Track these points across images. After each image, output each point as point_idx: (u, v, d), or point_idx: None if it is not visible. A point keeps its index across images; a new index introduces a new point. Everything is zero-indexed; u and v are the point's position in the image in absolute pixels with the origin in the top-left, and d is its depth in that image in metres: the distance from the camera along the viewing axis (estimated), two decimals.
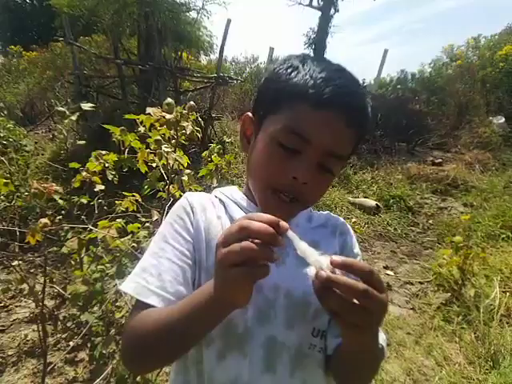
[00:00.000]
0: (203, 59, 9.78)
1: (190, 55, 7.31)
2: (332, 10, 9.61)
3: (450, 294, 2.87)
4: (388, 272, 3.45)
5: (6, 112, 5.84)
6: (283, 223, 0.48)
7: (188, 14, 5.68)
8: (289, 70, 0.64)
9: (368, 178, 5.79)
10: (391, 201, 4.97)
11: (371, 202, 4.84)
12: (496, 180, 5.21)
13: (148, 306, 0.63)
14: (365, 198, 5.15)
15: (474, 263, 2.89)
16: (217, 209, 0.74)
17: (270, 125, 0.64)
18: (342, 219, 0.82)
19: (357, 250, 0.78)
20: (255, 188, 0.69)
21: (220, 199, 0.76)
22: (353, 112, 0.60)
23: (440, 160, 6.16)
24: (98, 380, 1.41)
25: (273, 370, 0.65)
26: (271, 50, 11.70)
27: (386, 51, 10.86)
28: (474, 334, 2.41)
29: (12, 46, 9.60)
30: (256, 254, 0.45)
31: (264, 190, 0.65)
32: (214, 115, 5.62)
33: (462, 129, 7.34)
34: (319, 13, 9.61)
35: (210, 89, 5.67)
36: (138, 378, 1.48)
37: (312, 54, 0.68)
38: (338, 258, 0.45)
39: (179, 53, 5.85)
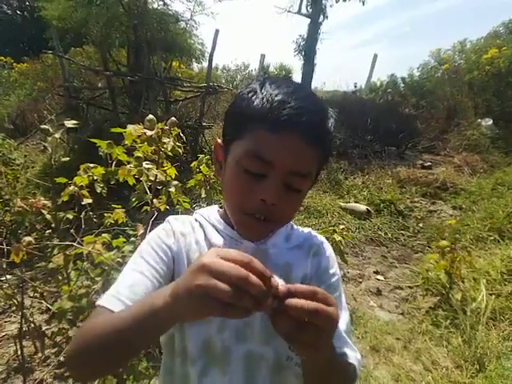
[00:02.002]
0: (195, 67, 9.84)
1: (181, 63, 7.36)
2: (321, 17, 9.71)
3: (438, 298, 2.91)
4: (378, 277, 3.48)
5: None
6: (274, 281, 0.46)
7: (177, 24, 5.72)
8: (249, 95, 0.65)
9: (359, 182, 5.84)
10: (382, 205, 5.01)
11: (362, 207, 4.88)
12: (484, 182, 5.27)
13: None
14: (356, 202, 5.18)
15: (462, 266, 2.93)
16: (196, 233, 0.76)
17: (235, 150, 0.66)
18: (320, 238, 0.82)
19: (333, 270, 0.78)
20: (230, 211, 0.72)
21: (200, 223, 0.78)
22: (311, 131, 0.62)
23: (429, 163, 6.22)
24: None
25: (253, 382, 0.69)
26: (262, 56, 11.80)
27: (375, 56, 11.01)
28: (462, 337, 2.44)
29: (2, 58, 9.58)
30: (241, 304, 0.43)
31: (237, 212, 0.68)
32: (204, 124, 5.65)
33: (451, 132, 7.42)
34: (308, 20, 9.71)
35: (200, 98, 5.70)
36: None
37: (266, 78, 0.66)
38: (282, 288, 0.47)
39: (169, 62, 5.88)
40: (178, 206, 1.91)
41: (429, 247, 4.05)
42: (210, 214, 0.79)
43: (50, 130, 1.59)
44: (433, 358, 2.31)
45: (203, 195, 2.44)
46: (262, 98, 0.63)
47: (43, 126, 1.62)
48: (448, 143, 7.07)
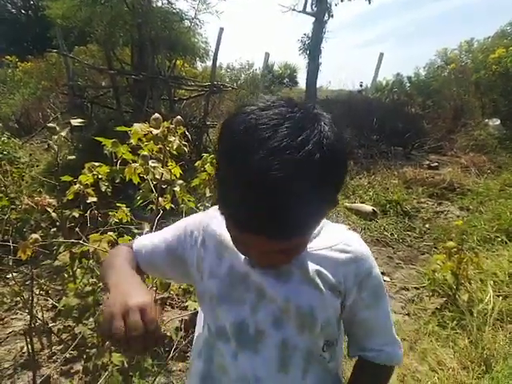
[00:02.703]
0: (199, 66, 9.84)
1: (185, 62, 7.36)
2: (326, 16, 9.69)
3: (444, 299, 2.88)
4: (384, 278, 3.46)
5: (0, 125, 5.87)
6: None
7: (182, 22, 5.72)
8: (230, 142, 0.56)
9: (365, 183, 5.80)
10: (388, 206, 4.97)
11: (368, 208, 4.85)
12: (492, 183, 5.23)
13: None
14: (361, 203, 5.16)
15: (469, 268, 2.89)
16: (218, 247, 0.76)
17: (224, 194, 0.60)
18: (355, 240, 0.76)
19: (374, 273, 0.75)
20: None
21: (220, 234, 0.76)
22: (277, 228, 0.53)
23: (436, 164, 6.17)
24: None
25: (286, 370, 0.71)
26: (267, 55, 11.79)
27: (381, 55, 10.97)
28: (468, 338, 2.41)
29: (8, 57, 9.64)
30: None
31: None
32: (208, 123, 5.65)
33: (458, 132, 7.37)
34: (313, 18, 9.68)
35: (205, 97, 5.70)
36: None
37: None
38: None
39: (173, 61, 5.88)
40: (182, 205, 1.91)
41: (435, 248, 4.02)
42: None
43: (57, 128, 1.59)
44: (439, 359, 2.29)
45: (208, 194, 2.44)
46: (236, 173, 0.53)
47: (50, 125, 1.62)
48: (455, 143, 7.02)
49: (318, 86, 10.55)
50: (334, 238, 0.74)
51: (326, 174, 0.53)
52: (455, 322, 2.59)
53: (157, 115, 1.51)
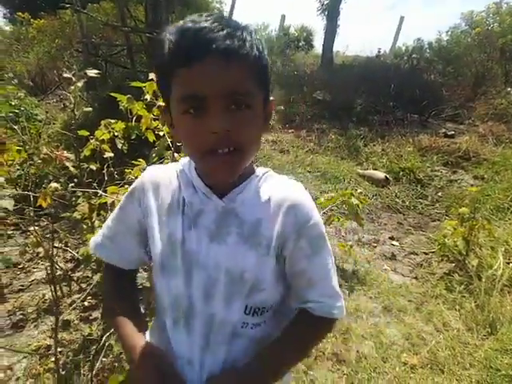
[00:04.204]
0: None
1: None
2: None
3: (453, 264, 2.91)
4: (393, 242, 3.49)
5: (16, 81, 5.86)
6: None
7: None
8: (160, 49, 0.63)
9: (378, 149, 5.72)
10: (401, 173, 4.93)
11: (380, 175, 4.82)
12: (509, 152, 5.09)
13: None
14: (374, 170, 5.12)
15: (480, 234, 2.90)
16: (171, 186, 0.78)
17: (173, 103, 0.66)
18: (295, 189, 0.76)
19: (313, 220, 0.73)
20: (194, 160, 0.71)
21: (178, 175, 0.78)
22: (221, 48, 0.57)
23: (453, 132, 6.02)
24: (107, 334, 1.51)
25: (208, 346, 0.74)
26: (282, 17, 11.39)
27: (402, 18, 10.50)
28: (475, 302, 2.46)
29: (20, 13, 9.46)
30: None
31: (200, 157, 0.66)
32: None
33: (477, 100, 7.12)
34: None
35: None
36: None
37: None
38: None
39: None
40: None
41: (447, 216, 4.01)
42: (192, 167, 0.77)
43: (73, 78, 1.59)
44: (444, 321, 2.35)
45: None
46: (168, 43, 0.61)
47: (66, 75, 1.62)
48: (473, 112, 6.80)
49: (335, 50, 10.22)
50: (274, 189, 0.74)
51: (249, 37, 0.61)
52: (463, 287, 2.63)
53: None
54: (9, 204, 1.46)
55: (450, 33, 9.00)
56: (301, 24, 14.32)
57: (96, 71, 1.63)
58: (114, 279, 0.87)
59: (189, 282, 0.72)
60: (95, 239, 0.86)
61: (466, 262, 2.80)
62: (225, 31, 0.58)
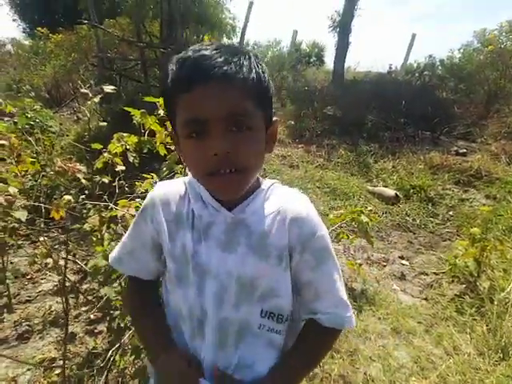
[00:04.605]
0: (226, 42, 9.72)
1: (212, 38, 7.29)
2: None
3: (464, 285, 2.85)
4: (403, 262, 3.44)
5: (32, 94, 6.02)
6: None
7: None
8: (165, 80, 0.69)
9: (389, 166, 5.70)
10: (411, 191, 4.87)
11: (390, 192, 4.79)
12: None
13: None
14: (384, 187, 5.08)
15: (492, 256, 2.85)
16: (181, 201, 0.80)
17: (178, 127, 0.69)
18: (301, 202, 0.79)
19: (319, 233, 0.76)
20: (200, 182, 0.74)
21: (187, 189, 0.80)
22: (218, 73, 0.60)
23: (464, 150, 5.97)
24: (113, 348, 1.50)
25: (223, 347, 0.76)
26: (295, 33, 11.54)
27: (413, 36, 10.57)
28: (486, 326, 2.39)
29: (39, 28, 9.76)
30: None
31: (203, 177, 0.70)
32: None
33: (490, 118, 7.07)
34: None
35: None
36: None
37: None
38: None
39: (201, 36, 5.83)
40: None
41: (458, 235, 3.94)
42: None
43: (90, 94, 1.63)
44: (455, 344, 2.29)
45: None
46: (171, 71, 0.66)
47: (83, 90, 1.66)
48: (486, 130, 6.74)
49: (346, 66, 10.29)
50: (280, 201, 0.76)
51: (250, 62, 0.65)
52: (474, 309, 2.57)
53: None
54: (22, 215, 1.48)
55: (461, 50, 9.00)
56: (312, 40, 14.53)
57: (112, 87, 1.67)
58: (137, 290, 0.90)
59: (201, 292, 0.75)
60: (113, 255, 0.89)
61: (478, 283, 2.74)
62: (222, 58, 0.61)
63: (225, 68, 0.61)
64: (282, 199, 0.77)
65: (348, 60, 10.20)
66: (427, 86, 8.34)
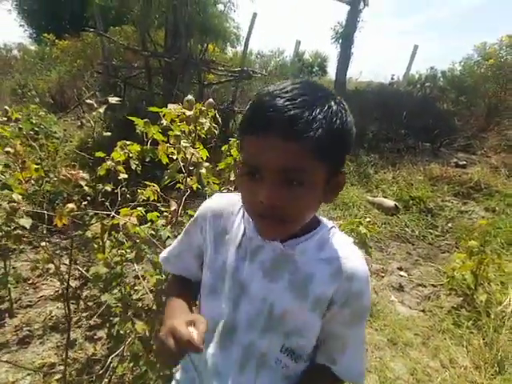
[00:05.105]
0: (229, 51, 9.82)
1: (216, 47, 7.37)
2: (361, 4, 9.46)
3: (462, 298, 2.87)
4: (401, 273, 3.46)
5: (37, 99, 6.09)
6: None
7: (215, 6, 5.73)
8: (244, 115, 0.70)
9: (389, 177, 5.73)
10: (411, 202, 4.90)
11: (390, 203, 4.81)
12: None
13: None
14: (384, 197, 5.11)
15: (489, 269, 2.86)
16: (233, 217, 0.82)
17: (240, 162, 0.72)
18: (357, 261, 0.75)
19: (364, 301, 0.75)
20: (248, 215, 0.75)
21: (241, 207, 0.82)
22: (285, 126, 0.59)
23: (464, 162, 6.01)
24: (113, 355, 1.52)
25: (243, 370, 0.77)
26: (297, 43, 11.65)
27: (415, 47, 10.64)
28: (483, 339, 2.40)
29: (45, 34, 9.90)
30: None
31: (251, 215, 0.72)
32: (236, 109, 5.68)
33: (490, 131, 7.11)
34: (348, 6, 9.46)
35: (234, 82, 5.74)
36: (151, 357, 1.58)
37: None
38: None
39: (205, 45, 5.91)
40: (207, 188, 1.97)
41: (457, 248, 3.96)
42: None
43: (95, 104, 1.67)
44: (451, 357, 2.30)
45: (232, 178, 2.50)
46: (249, 105, 0.67)
47: (88, 101, 1.70)
48: (486, 142, 6.79)
49: (348, 76, 10.38)
50: (336, 252, 0.75)
51: (327, 117, 0.62)
52: (471, 322, 2.59)
53: (190, 97, 1.57)
54: (26, 222, 1.52)
55: (462, 63, 9.08)
56: (315, 50, 14.68)
57: (117, 98, 1.70)
58: (178, 282, 0.95)
59: (235, 309, 0.76)
60: (163, 255, 0.97)
61: (475, 296, 2.76)
62: (292, 112, 0.59)
63: (291, 124, 0.59)
64: (337, 249, 0.75)
65: (350, 70, 10.30)
66: (428, 97, 8.40)
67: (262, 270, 0.75)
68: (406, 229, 4.40)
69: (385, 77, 10.78)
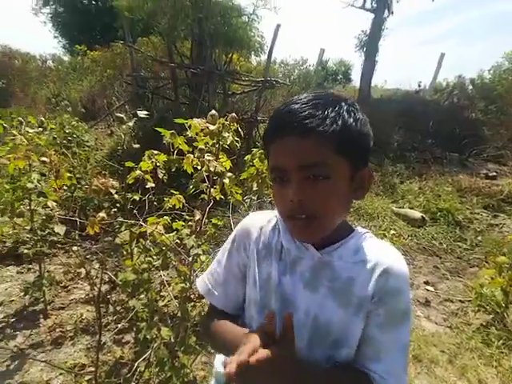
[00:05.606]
0: (253, 59, 9.94)
1: (240, 56, 7.48)
2: (386, 13, 9.39)
3: (491, 315, 2.77)
4: (428, 287, 3.37)
5: (70, 109, 6.35)
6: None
7: (240, 18, 5.82)
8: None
9: (415, 188, 5.62)
10: (438, 214, 4.77)
11: (417, 214, 4.71)
12: None
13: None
14: (410, 208, 5.01)
15: None
16: (271, 233, 0.84)
17: (268, 170, 0.77)
18: (393, 256, 0.75)
19: (401, 296, 0.73)
20: (283, 221, 0.79)
21: (277, 222, 0.84)
22: (300, 124, 0.65)
23: (494, 173, 5.83)
24: (139, 360, 1.56)
25: None
26: (321, 51, 11.66)
27: (442, 55, 10.45)
28: None
29: (77, 46, 10.33)
30: None
31: (284, 219, 0.75)
32: (259, 118, 5.73)
33: None
34: (372, 15, 9.41)
35: (257, 92, 5.80)
36: (176, 362, 1.62)
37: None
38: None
39: (230, 55, 6.02)
40: (230, 197, 2.01)
41: (486, 262, 3.82)
42: None
43: (124, 118, 1.74)
44: (480, 377, 2.22)
45: (255, 188, 2.53)
46: (269, 120, 0.74)
47: (118, 115, 1.78)
48: None
49: (372, 84, 10.29)
50: (372, 251, 0.75)
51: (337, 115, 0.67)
52: (501, 342, 2.49)
53: (214, 112, 1.62)
54: (61, 230, 1.59)
55: (492, 71, 8.85)
56: (339, 58, 14.63)
57: (146, 112, 1.77)
58: (219, 318, 0.88)
59: (280, 322, 0.75)
60: (204, 285, 0.92)
61: (505, 315, 2.65)
62: (306, 112, 0.66)
63: (305, 122, 0.65)
64: (374, 250, 0.76)
65: (375, 78, 10.21)
66: (456, 106, 8.22)
67: (303, 282, 0.76)
68: (434, 241, 4.29)
69: (410, 85, 10.62)
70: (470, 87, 9.26)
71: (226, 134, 1.66)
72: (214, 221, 2.04)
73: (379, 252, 0.75)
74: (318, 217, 0.68)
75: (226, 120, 1.65)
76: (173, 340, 1.71)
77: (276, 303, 0.77)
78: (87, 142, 4.23)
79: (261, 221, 0.87)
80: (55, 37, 15.81)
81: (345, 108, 0.68)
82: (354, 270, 0.74)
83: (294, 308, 0.75)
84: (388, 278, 0.71)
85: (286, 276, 0.77)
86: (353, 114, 0.68)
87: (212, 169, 1.69)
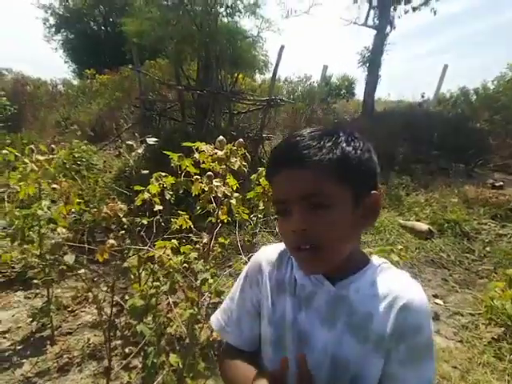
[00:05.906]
0: (258, 78, 10.11)
1: (245, 76, 7.62)
2: (388, 28, 9.54)
3: (503, 328, 2.73)
4: (437, 301, 3.34)
5: (79, 133, 6.52)
6: None
7: (244, 40, 5.98)
8: None
9: (421, 199, 5.61)
10: (445, 225, 4.74)
11: (424, 226, 4.69)
12: None
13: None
14: (417, 221, 4.99)
15: None
16: (284, 268, 0.83)
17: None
18: (414, 289, 0.72)
19: (423, 331, 0.68)
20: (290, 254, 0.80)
21: (289, 256, 0.84)
22: (292, 157, 0.68)
23: (501, 183, 5.80)
24: None
25: None
26: (325, 67, 11.82)
27: (445, 66, 10.52)
28: None
29: (87, 70, 10.65)
30: None
31: (291, 252, 0.75)
32: (264, 135, 5.82)
33: None
34: (374, 31, 9.56)
35: (262, 110, 5.91)
36: None
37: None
38: None
39: (235, 76, 6.16)
40: (236, 215, 2.05)
41: (495, 273, 3.79)
42: None
43: (134, 146, 1.81)
44: None
45: (261, 207, 2.57)
46: (269, 156, 0.77)
47: (128, 143, 1.85)
48: None
49: (376, 97, 10.37)
50: (391, 285, 0.72)
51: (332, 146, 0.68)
52: None
53: (221, 138, 1.67)
54: (70, 259, 1.64)
55: (495, 82, 8.88)
56: (342, 73, 14.79)
57: (154, 139, 1.84)
58: (235, 358, 0.86)
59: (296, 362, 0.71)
60: (218, 322, 0.91)
61: None
62: (304, 143, 0.68)
63: (303, 153, 0.67)
64: (392, 282, 0.73)
65: (379, 91, 10.29)
66: (460, 116, 8.24)
67: (319, 319, 0.74)
68: (442, 253, 4.26)
69: (413, 96, 10.68)
70: (474, 97, 9.29)
71: (234, 159, 1.71)
72: (220, 239, 2.08)
73: (398, 285, 0.72)
74: (322, 246, 0.68)
75: (234, 145, 1.70)
76: (181, 366, 1.72)
77: (292, 342, 0.76)
78: (96, 165, 4.33)
79: (273, 255, 0.86)
80: (65, 62, 16.33)
81: (343, 138, 0.69)
82: (371, 305, 0.71)
83: (310, 347, 0.73)
84: (407, 315, 0.68)
85: (301, 313, 0.76)
86: (352, 143, 0.69)
87: (220, 194, 1.73)
